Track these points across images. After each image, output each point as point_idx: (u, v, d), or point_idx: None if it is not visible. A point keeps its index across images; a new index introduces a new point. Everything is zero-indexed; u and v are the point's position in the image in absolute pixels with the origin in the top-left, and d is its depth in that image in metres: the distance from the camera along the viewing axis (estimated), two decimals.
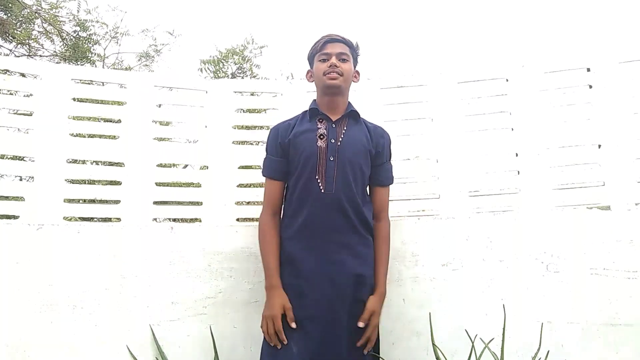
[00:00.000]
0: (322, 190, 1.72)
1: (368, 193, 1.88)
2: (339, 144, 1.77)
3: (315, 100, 1.89)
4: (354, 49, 1.88)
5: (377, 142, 1.85)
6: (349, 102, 1.89)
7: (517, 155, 2.26)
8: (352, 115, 1.86)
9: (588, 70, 2.27)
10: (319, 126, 1.80)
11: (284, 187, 1.86)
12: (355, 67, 1.90)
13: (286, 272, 1.74)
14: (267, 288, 1.74)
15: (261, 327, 1.72)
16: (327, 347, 1.64)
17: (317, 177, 1.73)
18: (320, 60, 1.82)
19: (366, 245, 1.78)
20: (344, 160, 1.75)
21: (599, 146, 2.20)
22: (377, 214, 1.87)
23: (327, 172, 1.73)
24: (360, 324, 1.70)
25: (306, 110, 1.88)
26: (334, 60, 1.78)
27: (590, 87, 2.26)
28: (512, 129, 2.29)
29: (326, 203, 1.71)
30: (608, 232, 2.03)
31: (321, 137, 1.77)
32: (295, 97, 2.45)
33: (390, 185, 1.92)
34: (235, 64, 8.04)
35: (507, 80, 2.33)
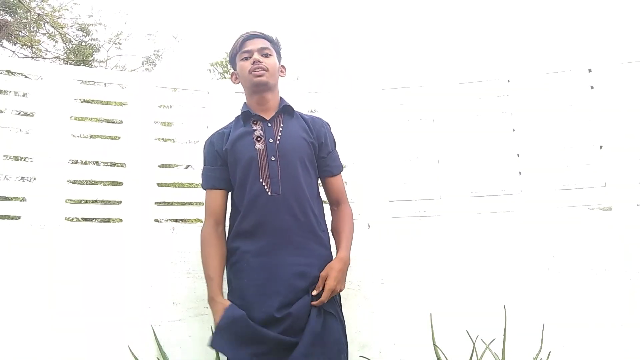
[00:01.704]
0: (269, 193, 1.65)
1: (320, 184, 1.84)
2: (277, 142, 1.71)
3: (245, 102, 1.83)
4: (275, 44, 1.82)
5: (318, 133, 1.80)
6: (281, 98, 1.83)
7: (518, 156, 2.26)
8: (286, 110, 1.80)
9: (589, 71, 2.27)
10: (255, 128, 1.74)
11: (226, 195, 1.80)
12: (280, 61, 1.84)
13: (238, 280, 1.66)
14: (209, 301, 1.67)
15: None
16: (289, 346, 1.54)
17: (261, 180, 1.66)
18: (242, 59, 1.76)
19: (321, 243, 1.71)
20: (286, 158, 1.69)
21: (601, 147, 2.20)
22: (336, 201, 1.83)
23: (271, 173, 1.67)
24: (314, 292, 1.60)
25: (239, 115, 1.82)
26: (256, 56, 1.73)
27: (592, 87, 2.25)
28: (514, 130, 2.29)
29: (275, 205, 1.64)
30: (609, 233, 2.03)
31: (258, 139, 1.71)
32: (297, 98, 2.45)
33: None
34: None
35: (508, 80, 2.33)
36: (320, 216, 1.76)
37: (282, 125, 1.76)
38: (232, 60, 1.84)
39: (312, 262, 1.65)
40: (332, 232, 1.81)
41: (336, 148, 1.89)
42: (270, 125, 1.75)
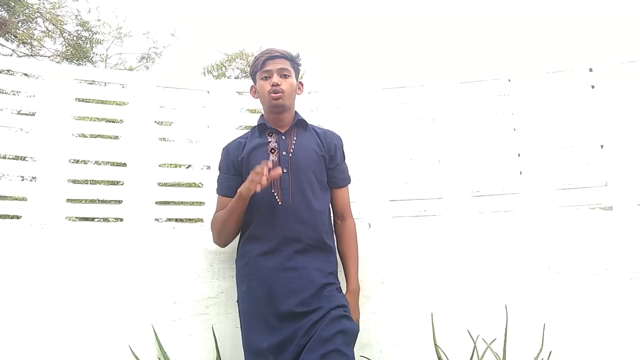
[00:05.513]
0: (280, 203, 1.74)
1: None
2: (290, 155, 1.79)
3: (262, 115, 1.91)
4: (294, 62, 1.88)
5: (329, 146, 1.87)
6: (296, 112, 1.91)
7: (519, 155, 2.26)
8: (300, 124, 1.88)
9: (590, 70, 2.26)
10: (269, 140, 1.82)
11: None
12: (297, 78, 1.90)
13: (250, 286, 1.73)
14: (239, 198, 1.68)
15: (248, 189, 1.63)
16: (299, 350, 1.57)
17: (272, 190, 1.75)
18: (262, 79, 1.82)
19: (328, 251, 1.79)
20: (297, 170, 1.77)
21: (602, 146, 2.20)
22: (340, 214, 1.90)
23: (282, 184, 1.75)
24: None
25: (255, 126, 1.89)
26: (275, 78, 1.79)
27: (593, 87, 2.25)
28: (514, 129, 2.29)
29: (285, 214, 1.73)
30: (610, 232, 2.03)
31: (272, 150, 1.80)
32: (297, 98, 2.44)
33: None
34: (239, 68, 8.06)
35: (509, 80, 2.33)
36: (329, 226, 1.84)
37: (295, 138, 1.84)
38: (253, 76, 1.90)
39: (321, 264, 1.74)
40: (338, 252, 1.87)
41: (345, 161, 1.94)
42: (284, 138, 1.83)
